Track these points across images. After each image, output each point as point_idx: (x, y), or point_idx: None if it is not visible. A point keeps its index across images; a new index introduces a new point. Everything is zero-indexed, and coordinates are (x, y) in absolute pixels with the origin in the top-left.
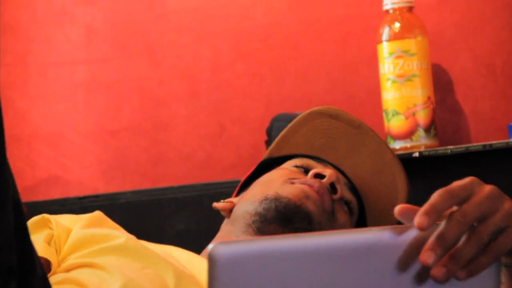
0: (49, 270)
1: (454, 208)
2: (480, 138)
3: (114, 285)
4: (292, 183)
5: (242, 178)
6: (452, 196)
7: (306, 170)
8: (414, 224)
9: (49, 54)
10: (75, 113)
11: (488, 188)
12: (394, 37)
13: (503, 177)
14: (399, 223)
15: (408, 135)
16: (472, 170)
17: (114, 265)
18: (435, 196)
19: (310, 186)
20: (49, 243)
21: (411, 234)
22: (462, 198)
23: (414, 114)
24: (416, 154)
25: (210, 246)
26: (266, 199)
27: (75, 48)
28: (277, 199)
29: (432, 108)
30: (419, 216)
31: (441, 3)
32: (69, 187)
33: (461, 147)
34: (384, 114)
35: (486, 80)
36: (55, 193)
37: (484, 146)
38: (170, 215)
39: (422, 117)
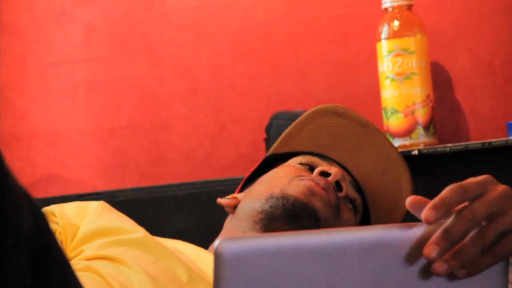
0: None
1: (465, 204)
2: (479, 136)
3: (133, 278)
4: (300, 179)
5: (246, 174)
6: (463, 192)
7: (311, 168)
8: (421, 217)
9: (49, 53)
10: (74, 112)
11: (501, 188)
12: (393, 35)
13: (502, 175)
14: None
15: (407, 133)
16: (471, 168)
17: (130, 258)
18: (446, 190)
19: (316, 183)
20: None
21: (418, 231)
22: (474, 195)
23: (413, 112)
24: (415, 152)
25: (216, 242)
26: (272, 196)
27: (74, 48)
28: (283, 197)
29: (431, 106)
30: (427, 209)
31: (441, 2)
32: (69, 186)
33: (460, 145)
34: (383, 112)
35: (485, 78)
36: (55, 192)
37: (483, 144)
38: (170, 213)
39: (421, 115)
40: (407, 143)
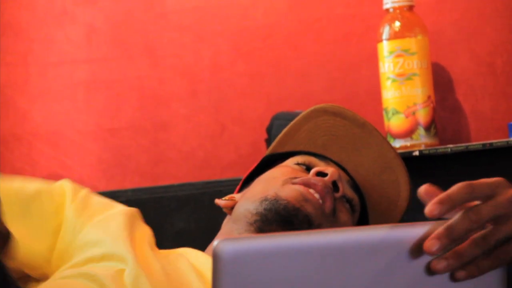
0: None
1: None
2: (480, 137)
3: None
4: (293, 183)
5: (245, 174)
6: (471, 191)
7: (308, 168)
8: (425, 210)
9: (50, 53)
10: (75, 112)
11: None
12: (394, 36)
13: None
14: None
15: (408, 134)
16: (472, 169)
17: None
18: (454, 187)
19: (314, 184)
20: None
21: (422, 230)
22: (483, 195)
23: (414, 113)
24: (416, 153)
25: (214, 243)
26: (266, 199)
27: (75, 48)
28: (276, 200)
29: (432, 107)
30: (432, 204)
31: (441, 2)
32: None
33: (461, 146)
34: (384, 113)
35: (486, 79)
36: None
37: (484, 145)
38: (171, 213)
39: (422, 116)
40: (408, 144)
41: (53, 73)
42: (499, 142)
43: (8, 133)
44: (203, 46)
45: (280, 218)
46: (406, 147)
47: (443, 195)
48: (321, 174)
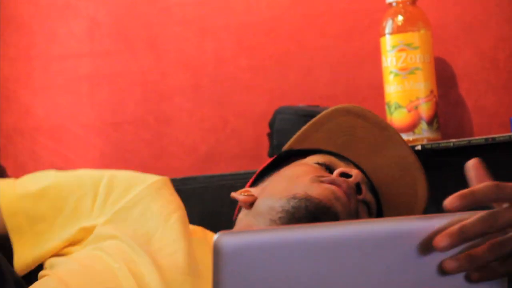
0: None
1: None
2: (483, 132)
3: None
4: (321, 181)
5: (259, 168)
6: (497, 192)
7: (328, 168)
8: (444, 202)
9: (53, 47)
10: (78, 106)
11: None
12: (397, 30)
13: (505, 171)
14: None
15: (411, 128)
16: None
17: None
18: (481, 185)
19: (338, 186)
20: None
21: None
22: (509, 199)
23: (416, 108)
24: (419, 147)
25: (215, 236)
26: (295, 197)
27: (78, 42)
28: (307, 199)
29: (434, 102)
30: (452, 197)
31: None
32: None
33: (463, 140)
34: (386, 107)
35: (489, 74)
36: None
37: (486, 139)
38: None
39: (425, 110)
40: (411, 138)
41: (56, 67)
42: (502, 136)
43: (11, 128)
44: (206, 40)
45: (309, 215)
46: (408, 141)
47: (466, 190)
48: (345, 175)
